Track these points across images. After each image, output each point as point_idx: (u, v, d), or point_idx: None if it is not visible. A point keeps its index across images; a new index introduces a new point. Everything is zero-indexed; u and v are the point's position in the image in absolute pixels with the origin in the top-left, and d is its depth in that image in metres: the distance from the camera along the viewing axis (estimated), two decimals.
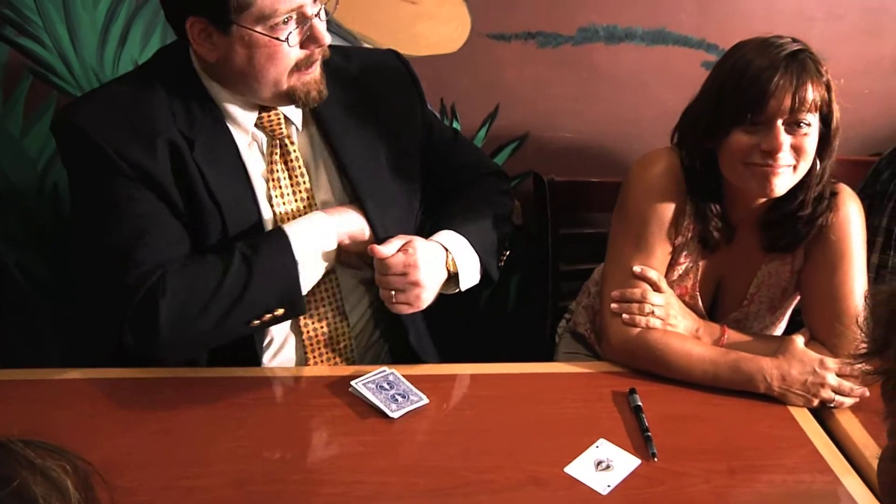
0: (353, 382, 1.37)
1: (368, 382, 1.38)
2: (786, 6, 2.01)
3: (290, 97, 1.40)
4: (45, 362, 1.45)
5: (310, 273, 1.40)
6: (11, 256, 2.09)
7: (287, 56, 1.35)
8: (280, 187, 1.47)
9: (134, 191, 1.36)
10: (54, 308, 2.13)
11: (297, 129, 1.49)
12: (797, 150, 1.37)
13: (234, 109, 1.43)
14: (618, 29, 2.01)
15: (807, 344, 1.43)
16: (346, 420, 1.33)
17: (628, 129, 2.09)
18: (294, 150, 1.48)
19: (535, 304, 2.11)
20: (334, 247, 1.42)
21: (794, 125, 1.36)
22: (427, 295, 1.40)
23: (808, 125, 1.36)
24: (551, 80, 2.05)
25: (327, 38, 1.37)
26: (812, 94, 1.34)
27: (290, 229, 1.39)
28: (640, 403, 1.38)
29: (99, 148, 1.34)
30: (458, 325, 1.92)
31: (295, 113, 1.48)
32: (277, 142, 1.47)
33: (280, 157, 1.47)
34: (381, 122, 1.55)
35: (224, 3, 1.29)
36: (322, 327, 1.51)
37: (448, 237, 1.47)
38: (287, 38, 1.33)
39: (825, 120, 1.39)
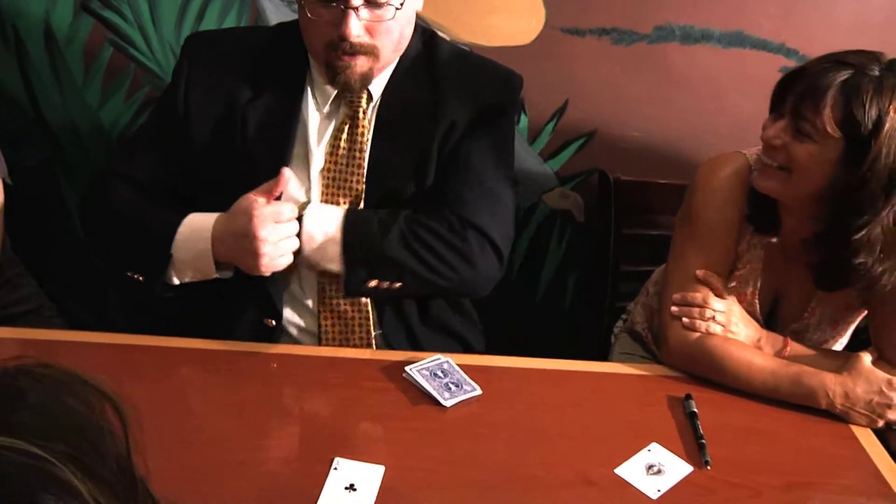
0: (407, 368, 1.37)
1: (423, 369, 1.37)
2: (875, 14, 1.93)
3: (328, 75, 1.43)
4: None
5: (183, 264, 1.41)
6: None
7: (314, 28, 1.39)
8: (336, 159, 1.49)
9: (168, 111, 1.51)
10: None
11: (374, 106, 1.51)
12: (789, 158, 1.33)
13: (319, 77, 1.49)
14: (694, 29, 1.96)
15: (874, 362, 1.38)
16: (398, 405, 1.32)
17: (699, 133, 2.05)
18: (364, 126, 1.49)
19: (592, 302, 2.08)
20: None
21: (793, 130, 1.32)
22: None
23: (806, 136, 1.31)
24: (623, 77, 2.02)
25: (353, 33, 1.36)
26: (828, 106, 1.27)
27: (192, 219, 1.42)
28: (695, 410, 1.35)
29: (180, 63, 1.52)
30: (512, 318, 1.91)
31: (377, 91, 1.50)
32: (351, 114, 1.49)
33: (348, 130, 1.49)
34: (431, 136, 1.50)
35: None
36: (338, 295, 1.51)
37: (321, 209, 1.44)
38: (307, 8, 1.37)
39: (858, 156, 1.28)
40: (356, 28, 1.36)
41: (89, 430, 0.45)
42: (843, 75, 1.26)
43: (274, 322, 1.50)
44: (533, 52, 2.00)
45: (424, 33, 1.57)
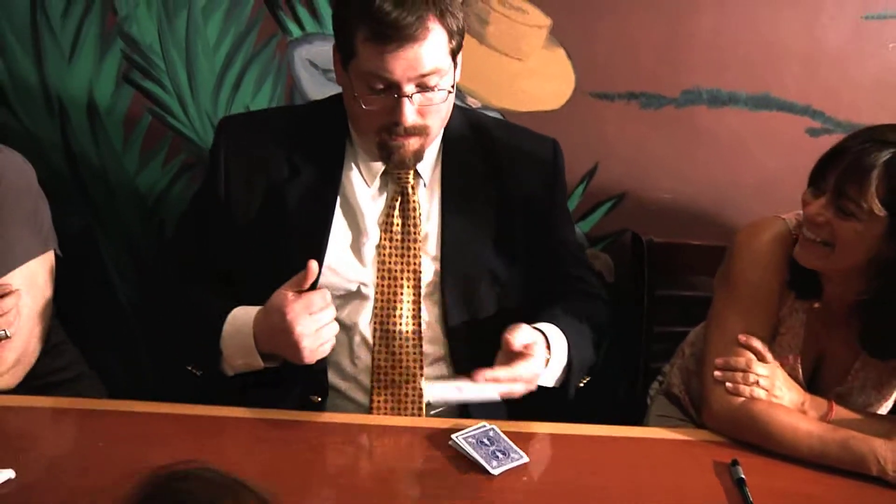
0: (453, 436, 1.37)
1: (469, 437, 1.37)
2: (894, 75, 1.97)
3: (382, 154, 1.47)
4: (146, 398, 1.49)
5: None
6: (123, 290, 2.17)
7: (367, 115, 1.42)
8: (392, 235, 1.51)
9: (211, 196, 1.54)
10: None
11: (424, 183, 1.54)
12: (833, 235, 1.35)
13: (363, 153, 1.53)
14: (721, 92, 2.00)
15: None
16: (445, 474, 1.32)
17: (728, 193, 2.07)
18: (415, 201, 1.52)
19: (626, 365, 2.08)
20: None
21: (835, 207, 1.34)
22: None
23: (850, 215, 1.33)
24: (652, 140, 2.05)
25: (409, 120, 1.40)
26: (872, 186, 1.29)
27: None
28: (743, 476, 1.34)
29: (217, 147, 1.55)
30: None
31: (424, 167, 1.53)
32: (401, 190, 1.52)
33: (400, 206, 1.52)
34: (501, 202, 1.57)
35: (347, 44, 1.39)
36: (395, 374, 1.52)
37: (550, 329, 1.45)
38: (360, 99, 1.40)
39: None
40: (411, 115, 1.40)
41: None
42: (886, 155, 1.29)
43: (320, 398, 1.51)
44: (563, 116, 2.04)
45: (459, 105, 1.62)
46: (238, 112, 1.98)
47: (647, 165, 2.08)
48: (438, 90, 1.41)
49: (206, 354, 1.44)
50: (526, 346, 1.35)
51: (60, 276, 1.62)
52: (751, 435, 1.42)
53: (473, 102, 2.04)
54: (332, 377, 1.54)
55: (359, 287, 1.52)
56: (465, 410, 1.55)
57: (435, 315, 1.55)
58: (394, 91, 1.38)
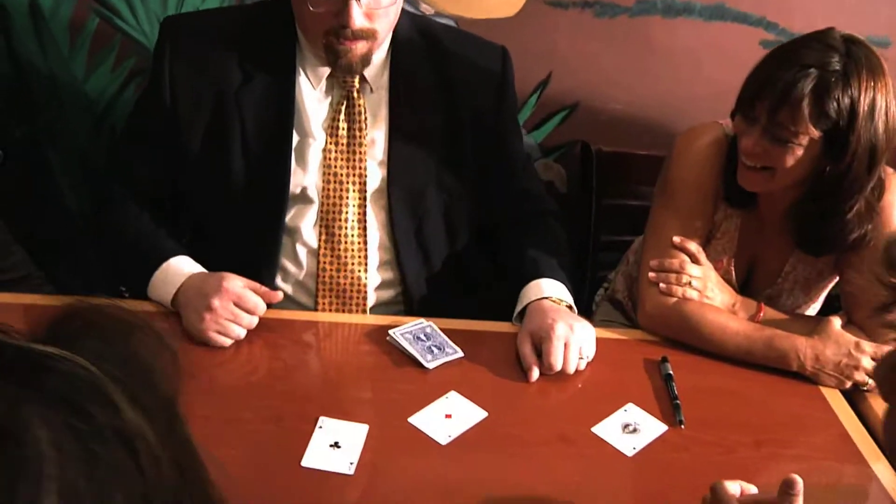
0: (391, 332, 1.40)
1: (406, 333, 1.41)
2: None
3: (328, 58, 1.46)
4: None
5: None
6: (72, 197, 2.16)
7: (314, 17, 1.40)
8: (337, 140, 1.51)
9: (156, 102, 1.52)
10: None
11: (370, 88, 1.53)
12: (773, 161, 1.36)
13: (311, 56, 1.51)
14: (676, 2, 1.99)
15: (844, 326, 1.43)
16: (382, 367, 1.36)
17: (680, 106, 2.07)
18: (361, 105, 1.52)
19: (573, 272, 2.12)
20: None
21: (770, 136, 1.35)
22: (580, 336, 1.38)
23: (786, 142, 1.34)
24: (605, 51, 2.04)
25: (356, 23, 1.39)
26: (804, 114, 1.30)
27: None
28: (671, 372, 1.39)
29: (160, 46, 1.53)
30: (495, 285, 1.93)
31: (371, 72, 1.52)
32: (346, 94, 1.51)
33: (346, 110, 1.52)
34: (450, 110, 1.57)
35: None
36: (340, 277, 1.55)
37: (552, 287, 1.49)
38: (308, 1, 1.38)
39: (839, 148, 1.33)
40: (359, 18, 1.39)
41: (144, 366, 0.49)
42: (812, 81, 1.29)
43: None
44: (516, 24, 2.01)
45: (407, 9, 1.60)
46: (185, 12, 1.94)
47: (601, 75, 2.07)
48: None
49: (137, 284, 1.47)
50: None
51: (4, 181, 1.61)
52: (682, 333, 1.46)
53: (427, 9, 2.01)
54: (279, 281, 1.55)
55: (303, 190, 1.52)
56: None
57: (381, 220, 1.56)
58: None
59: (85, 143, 2.13)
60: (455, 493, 1.13)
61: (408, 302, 1.60)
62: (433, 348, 1.39)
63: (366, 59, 1.47)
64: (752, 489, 1.02)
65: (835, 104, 1.28)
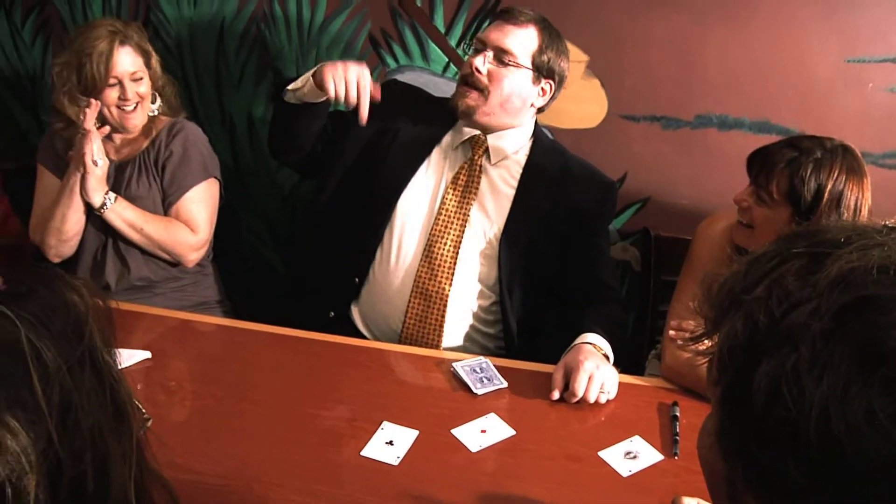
0: (453, 364, 1.48)
1: (465, 366, 1.48)
2: (876, 110, 1.89)
3: (452, 99, 1.68)
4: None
5: None
6: (259, 246, 2.41)
7: (462, 67, 1.66)
8: (453, 191, 1.68)
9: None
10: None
11: (489, 162, 1.70)
12: (751, 218, 1.42)
13: (453, 137, 1.73)
14: (728, 118, 1.99)
15: None
16: (442, 390, 1.44)
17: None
18: (480, 166, 1.69)
19: (634, 337, 2.11)
20: None
21: (755, 195, 1.42)
22: (604, 375, 1.40)
23: (763, 202, 1.39)
24: (671, 156, 2.07)
25: (476, 65, 1.61)
26: (776, 182, 1.35)
27: None
28: (677, 414, 1.37)
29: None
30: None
31: (496, 152, 1.69)
32: (469, 162, 1.69)
33: (467, 172, 1.69)
34: (559, 201, 1.69)
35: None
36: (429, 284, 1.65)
37: (596, 338, 1.53)
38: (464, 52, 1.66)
39: (803, 220, 1.33)
40: (480, 62, 1.60)
41: (64, 309, 0.54)
42: (790, 155, 1.29)
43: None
44: (598, 133, 2.09)
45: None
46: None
47: (668, 176, 2.09)
48: (509, 61, 1.61)
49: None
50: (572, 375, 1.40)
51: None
52: (694, 384, 1.44)
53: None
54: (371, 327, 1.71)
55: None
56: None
57: (476, 255, 1.68)
58: (480, 46, 1.63)
59: (273, 214, 2.38)
60: (471, 487, 1.19)
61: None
62: (484, 379, 1.45)
63: (470, 111, 1.65)
64: None
65: (801, 183, 1.29)
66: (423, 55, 2.12)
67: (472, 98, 1.63)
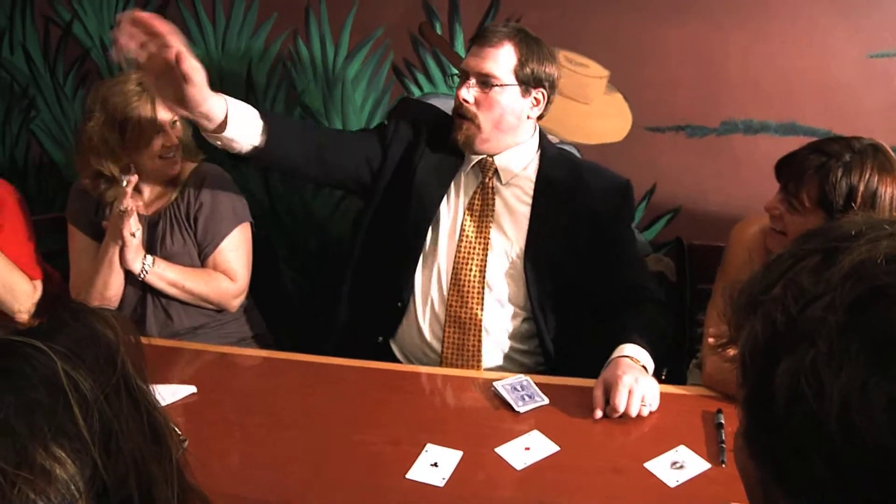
0: (494, 383, 1.49)
1: (506, 384, 1.48)
2: None
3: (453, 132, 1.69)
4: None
5: None
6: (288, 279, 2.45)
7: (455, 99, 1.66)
8: (470, 217, 1.70)
9: (379, 136, 1.78)
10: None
11: (500, 182, 1.71)
12: (784, 225, 1.40)
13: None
14: (754, 122, 1.98)
15: None
16: (484, 409, 1.44)
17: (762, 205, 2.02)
18: (492, 188, 1.70)
19: (675, 346, 2.08)
20: None
21: (786, 203, 1.39)
22: (643, 387, 1.40)
23: (795, 209, 1.37)
24: (699, 163, 2.06)
25: (462, 96, 1.62)
26: (807, 189, 1.33)
27: None
28: (722, 421, 1.36)
29: (391, 117, 1.79)
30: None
31: (505, 171, 1.70)
32: (481, 186, 1.70)
33: (480, 196, 1.70)
34: (576, 212, 1.69)
35: None
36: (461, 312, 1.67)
37: (634, 350, 1.51)
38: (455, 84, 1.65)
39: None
40: (465, 93, 1.61)
41: (95, 340, 0.55)
42: (818, 161, 1.28)
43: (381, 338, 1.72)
44: (625, 147, 2.10)
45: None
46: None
47: (697, 184, 2.08)
48: (493, 84, 1.61)
49: None
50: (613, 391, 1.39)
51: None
52: (733, 390, 1.42)
53: (553, 139, 2.14)
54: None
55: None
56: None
57: (502, 277, 1.69)
58: (465, 74, 1.63)
59: (306, 247, 2.42)
60: None
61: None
62: (525, 396, 1.45)
63: (468, 140, 1.66)
64: None
65: (832, 189, 1.26)
66: (446, 82, 2.15)
67: (467, 129, 1.64)
